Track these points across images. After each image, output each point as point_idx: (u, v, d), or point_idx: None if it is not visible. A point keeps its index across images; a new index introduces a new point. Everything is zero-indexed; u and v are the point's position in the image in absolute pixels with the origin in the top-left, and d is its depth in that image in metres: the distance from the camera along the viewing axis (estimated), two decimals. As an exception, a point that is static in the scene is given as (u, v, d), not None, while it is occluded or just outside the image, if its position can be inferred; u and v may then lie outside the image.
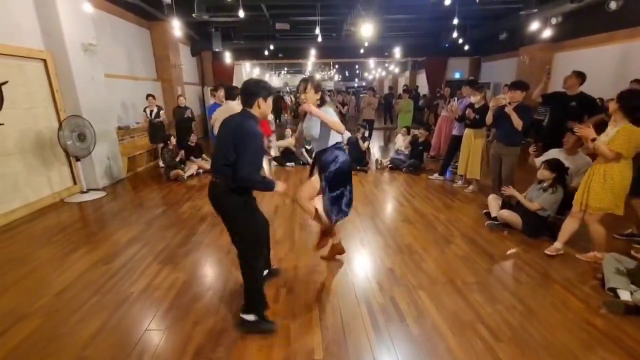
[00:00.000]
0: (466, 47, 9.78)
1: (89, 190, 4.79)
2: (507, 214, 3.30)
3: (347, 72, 24.62)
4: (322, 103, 2.42)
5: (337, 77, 25.30)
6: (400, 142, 6.43)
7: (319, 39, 7.72)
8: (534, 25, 6.80)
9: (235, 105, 3.94)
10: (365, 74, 23.15)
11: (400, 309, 2.22)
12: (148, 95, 6.28)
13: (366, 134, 7.27)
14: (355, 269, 2.74)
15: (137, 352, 1.88)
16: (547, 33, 6.92)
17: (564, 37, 7.66)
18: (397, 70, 17.29)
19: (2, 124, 3.79)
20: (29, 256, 3.02)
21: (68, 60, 4.53)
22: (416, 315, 2.16)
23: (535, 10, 6.00)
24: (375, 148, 8.44)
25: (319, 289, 2.47)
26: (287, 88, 24.69)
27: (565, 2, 6.08)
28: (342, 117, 8.77)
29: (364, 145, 6.19)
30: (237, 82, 12.95)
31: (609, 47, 6.80)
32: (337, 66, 19.25)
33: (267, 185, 2.00)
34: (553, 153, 3.56)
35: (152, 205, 4.41)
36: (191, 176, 5.69)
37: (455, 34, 7.39)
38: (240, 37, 9.87)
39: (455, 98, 6.01)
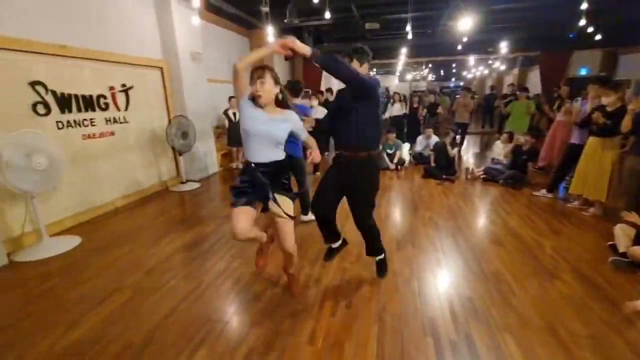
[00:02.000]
0: (598, 37, 7.98)
1: (187, 181, 5.43)
2: (645, 252, 2.49)
3: (442, 71, 22.92)
4: (282, 102, 2.01)
5: (430, 77, 23.79)
6: (500, 149, 5.56)
7: (410, 37, 7.26)
8: None
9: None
10: (464, 73, 21.17)
11: (477, 351, 1.84)
12: (231, 97, 6.41)
13: (457, 139, 6.55)
14: (426, 293, 2.41)
15: (197, 340, 1.97)
16: None
17: None
18: (502, 67, 15.31)
19: (128, 122, 4.55)
20: (132, 235, 3.53)
21: (179, 67, 5.21)
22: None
23: None
24: (468, 155, 7.58)
25: (381, 308, 2.23)
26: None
27: None
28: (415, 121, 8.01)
29: (452, 152, 5.56)
30: (326, 84, 13.27)
31: None
32: (430, 65, 18.06)
33: None
34: None
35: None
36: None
37: (583, 22, 6.04)
38: (330, 40, 10.03)
39: (579, 99, 4.92)
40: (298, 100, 3.83)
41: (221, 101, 6.70)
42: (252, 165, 1.97)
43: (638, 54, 8.58)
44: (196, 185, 5.40)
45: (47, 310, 2.30)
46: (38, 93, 3.39)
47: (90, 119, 3.99)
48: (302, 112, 3.27)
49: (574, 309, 2.18)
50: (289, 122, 1.99)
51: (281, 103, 2.02)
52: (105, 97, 4.18)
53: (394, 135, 6.21)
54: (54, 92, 3.53)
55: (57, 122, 3.59)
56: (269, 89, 1.91)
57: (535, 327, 2.02)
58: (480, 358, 1.80)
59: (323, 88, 11.01)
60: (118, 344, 1.95)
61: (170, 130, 4.90)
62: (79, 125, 3.85)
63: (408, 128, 7.84)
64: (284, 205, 2.01)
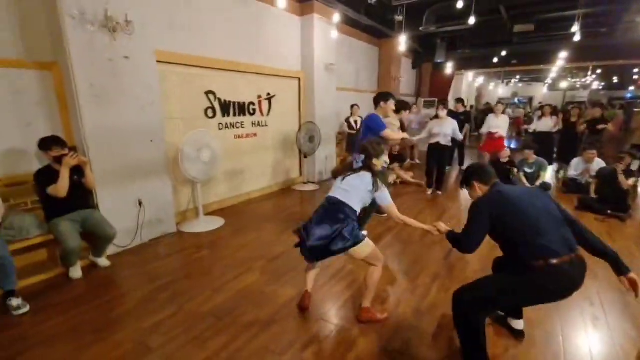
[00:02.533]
0: None
1: (308, 182, 5.87)
2: None
3: (615, 78, 18.20)
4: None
5: (595, 85, 19.20)
6: None
7: (577, 37, 5.99)
8: None
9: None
10: (649, 80, 16.27)
11: None
12: (353, 105, 6.53)
13: (635, 166, 5.07)
14: (572, 353, 1.93)
15: (310, 334, 2.09)
16: None
17: None
18: None
19: (267, 126, 5.22)
20: (261, 225, 4.02)
21: (313, 78, 5.69)
22: None
23: None
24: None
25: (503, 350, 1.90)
26: (516, 99, 21.16)
27: None
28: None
29: (627, 183, 4.32)
30: (455, 93, 12.30)
31: None
32: (599, 70, 14.54)
33: None
34: None
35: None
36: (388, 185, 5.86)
37: None
38: (465, 46, 9.25)
39: None
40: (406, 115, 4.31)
41: (345, 108, 7.01)
42: None
43: None
44: (315, 186, 5.78)
45: (199, 274, 2.85)
46: (210, 100, 4.23)
47: (241, 122, 4.74)
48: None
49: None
50: None
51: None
52: (253, 104, 4.90)
53: (533, 152, 5.22)
54: (219, 100, 4.35)
55: (219, 123, 4.40)
56: None
57: None
58: None
59: (451, 98, 10.25)
60: (248, 317, 2.26)
61: (300, 134, 5.38)
62: (233, 127, 4.63)
63: (559, 147, 6.46)
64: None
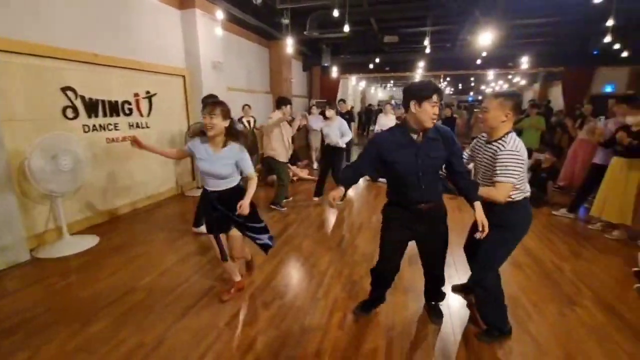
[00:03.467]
0: (624, 54, 7.76)
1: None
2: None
3: (460, 85, 22.74)
4: (232, 135, 2.19)
5: (448, 90, 23.63)
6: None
7: (427, 50, 7.26)
8: None
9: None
10: (482, 87, 20.93)
11: (490, 378, 1.77)
12: (244, 106, 6.42)
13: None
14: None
15: (205, 345, 1.98)
16: None
17: None
18: (523, 82, 15.07)
19: (149, 128, 4.70)
20: (149, 237, 3.61)
21: (200, 76, 5.37)
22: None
23: None
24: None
25: (390, 325, 2.19)
26: (393, 101, 24.26)
27: None
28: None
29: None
30: (342, 95, 13.38)
31: None
32: (448, 78, 17.93)
33: None
34: None
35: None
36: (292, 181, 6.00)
37: (608, 38, 5.89)
38: (347, 52, 10.14)
39: (602, 118, 4.79)
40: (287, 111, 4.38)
41: (238, 108, 6.84)
42: (208, 191, 2.24)
43: (668, 72, 8.28)
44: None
45: (65, 306, 2.37)
46: (68, 98, 3.55)
47: (115, 124, 4.14)
48: None
49: (595, 339, 2.07)
50: (232, 158, 2.16)
51: (231, 136, 2.18)
52: (129, 103, 4.34)
53: None
54: (82, 98, 3.70)
55: (83, 125, 3.74)
56: (217, 123, 2.06)
57: (552, 355, 1.93)
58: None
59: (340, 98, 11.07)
60: (129, 344, 1.99)
61: (189, 136, 5.02)
62: (104, 129, 4.00)
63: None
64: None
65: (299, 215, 4.37)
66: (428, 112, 1.70)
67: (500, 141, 1.85)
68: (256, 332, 2.12)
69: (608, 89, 9.36)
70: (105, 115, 4.00)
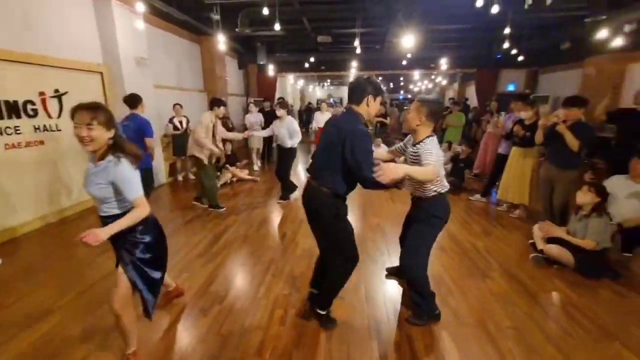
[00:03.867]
0: (520, 58, 9.03)
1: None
2: (556, 250, 2.84)
3: (391, 84, 24.20)
4: (117, 147, 1.63)
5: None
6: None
7: (358, 51, 7.62)
8: (603, 34, 6.05)
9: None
10: (411, 86, 22.55)
11: (416, 350, 1.97)
12: (175, 105, 6.00)
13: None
14: (373, 298, 2.52)
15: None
16: (619, 42, 6.11)
17: (639, 47, 6.72)
18: (444, 82, 16.61)
19: (60, 130, 4.17)
20: (67, 252, 3.23)
21: (121, 73, 4.92)
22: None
23: (605, 17, 5.33)
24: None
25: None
26: (331, 100, 24.90)
27: (642, 7, 5.32)
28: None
29: (399, 160, 5.89)
30: (281, 93, 13.34)
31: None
32: (380, 78, 18.98)
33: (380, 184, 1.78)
34: (615, 180, 3.05)
35: (181, 212, 4.54)
36: (224, 185, 5.83)
37: (507, 45, 6.82)
38: (283, 50, 10.13)
39: (502, 113, 5.52)
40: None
41: (168, 108, 6.43)
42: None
43: (554, 73, 9.85)
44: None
45: (-45, 345, 2.01)
46: (-53, 97, 3.00)
47: (15, 127, 3.60)
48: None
49: (500, 305, 2.42)
50: (104, 178, 1.59)
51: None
52: (33, 103, 3.81)
53: None
54: (-32, 97, 3.15)
55: (-29, 130, 3.20)
56: (98, 137, 1.56)
57: (468, 324, 2.21)
58: (419, 356, 1.92)
59: (278, 97, 11.03)
60: (44, 377, 1.78)
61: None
62: (0, 133, 3.46)
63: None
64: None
65: (239, 217, 4.29)
66: (377, 108, 1.99)
67: (421, 143, 2.02)
68: (195, 340, 2.05)
69: (510, 88, 10.79)
70: (1, 117, 3.46)
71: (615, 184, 3.03)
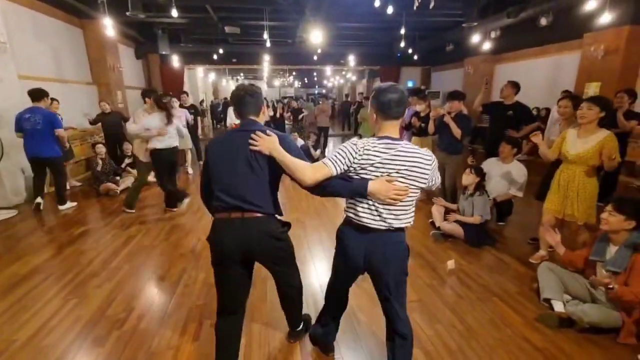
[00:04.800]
0: (416, 57, 10.09)
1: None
2: (449, 226, 3.27)
3: (306, 79, 24.64)
4: None
5: (297, 84, 25.23)
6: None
7: (268, 44, 7.51)
8: (476, 38, 7.13)
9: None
10: (324, 81, 23.31)
11: (336, 337, 2.03)
12: (52, 100, 4.66)
13: (321, 142, 7.12)
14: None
15: None
16: (487, 46, 7.29)
17: (503, 50, 8.14)
18: (354, 78, 17.58)
19: None
20: None
21: (-34, 59, 3.89)
22: (352, 345, 1.97)
23: (476, 24, 6.27)
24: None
25: (249, 319, 2.19)
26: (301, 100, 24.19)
27: (502, 17, 6.42)
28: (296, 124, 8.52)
29: (315, 154, 6.04)
30: (191, 88, 12.34)
31: (541, 59, 7.31)
32: (294, 73, 19.13)
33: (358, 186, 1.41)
34: (490, 162, 3.62)
35: (71, 225, 3.87)
36: (126, 189, 5.15)
37: (403, 44, 7.53)
38: (189, 40, 9.36)
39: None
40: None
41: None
42: None
43: (444, 72, 11.28)
44: (11, 213, 4.16)
45: None
46: None
47: None
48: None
49: (409, 280, 2.65)
50: None
51: None
52: None
53: None
54: None
55: None
56: None
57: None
58: (338, 342, 1.98)
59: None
60: None
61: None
62: None
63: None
64: None
65: (143, 226, 3.83)
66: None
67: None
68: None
69: (410, 84, 12.01)
70: None
71: (490, 165, 3.60)
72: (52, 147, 4.11)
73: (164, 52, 9.04)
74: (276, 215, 1.66)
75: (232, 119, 6.49)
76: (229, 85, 23.05)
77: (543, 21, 6.36)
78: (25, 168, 4.67)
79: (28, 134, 3.98)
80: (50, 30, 6.03)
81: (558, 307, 2.21)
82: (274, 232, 1.60)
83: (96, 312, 2.27)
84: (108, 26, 5.50)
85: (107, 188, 4.94)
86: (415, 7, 4.80)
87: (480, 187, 3.23)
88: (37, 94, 4.06)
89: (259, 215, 1.54)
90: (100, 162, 5.01)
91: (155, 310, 2.29)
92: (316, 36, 5.95)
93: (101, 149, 5.08)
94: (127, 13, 5.45)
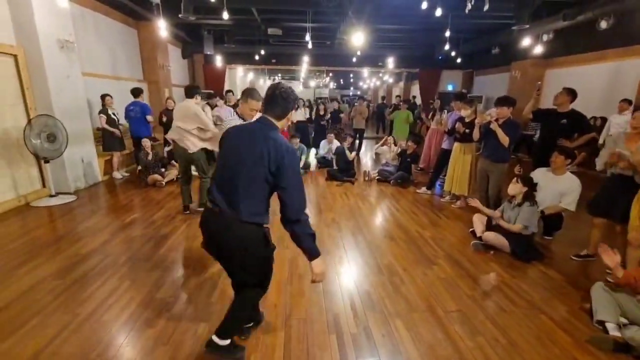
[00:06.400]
0: (459, 60, 9.76)
1: (58, 194, 4.52)
2: (492, 237, 3.14)
3: (341, 81, 24.63)
4: None
5: (332, 85, 25.29)
6: (387, 153, 6.30)
7: (309, 46, 7.60)
8: (526, 41, 6.78)
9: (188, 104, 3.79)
10: (360, 83, 23.19)
11: (374, 340, 2.03)
12: (104, 96, 5.46)
13: (356, 144, 7.10)
14: (330, 291, 2.54)
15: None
16: (539, 49, 6.91)
17: (555, 54, 7.67)
18: (390, 80, 17.33)
19: (-38, 122, 3.55)
20: (-25, 267, 2.76)
21: (41, 56, 4.30)
22: (390, 350, 1.96)
23: (527, 26, 5.96)
24: (367, 158, 8.31)
25: (288, 314, 2.26)
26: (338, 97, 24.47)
27: (557, 20, 6.06)
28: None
29: (351, 155, 6.03)
30: (231, 86, 12.79)
31: (599, 65, 6.81)
32: (331, 74, 19.21)
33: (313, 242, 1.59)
34: (538, 173, 3.43)
35: (124, 212, 4.16)
36: (171, 181, 5.46)
37: (447, 47, 7.33)
38: (232, 41, 9.72)
39: (445, 110, 5.91)
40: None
41: (98, 98, 5.82)
42: None
43: (486, 76, 10.82)
44: (71, 198, 4.55)
45: None
46: None
47: None
48: None
49: (446, 289, 2.60)
50: None
51: None
52: None
53: (298, 139, 6.37)
54: None
55: None
56: None
57: (419, 310, 2.34)
58: (376, 346, 1.99)
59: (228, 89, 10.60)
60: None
61: (31, 132, 4.01)
62: None
63: (315, 133, 8.10)
64: None
65: (187, 217, 4.03)
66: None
67: None
68: (141, 355, 1.88)
69: (450, 88, 11.64)
70: None
71: (538, 176, 3.41)
72: (147, 128, 5.90)
73: (208, 52, 9.45)
74: (264, 226, 1.63)
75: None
76: (266, 84, 23.60)
77: (603, 24, 5.93)
78: (85, 157, 5.10)
79: (132, 121, 5.76)
80: (109, 30, 6.52)
81: (613, 330, 2.07)
82: (246, 238, 1.58)
83: (147, 295, 2.43)
84: (162, 28, 5.85)
85: (154, 179, 5.25)
86: (467, 10, 4.66)
87: (530, 197, 3.08)
88: (136, 92, 5.80)
89: (240, 219, 1.54)
90: (150, 153, 5.34)
91: (202, 297, 2.41)
92: (358, 38, 5.95)
93: (147, 142, 5.39)
94: (180, 15, 5.76)
